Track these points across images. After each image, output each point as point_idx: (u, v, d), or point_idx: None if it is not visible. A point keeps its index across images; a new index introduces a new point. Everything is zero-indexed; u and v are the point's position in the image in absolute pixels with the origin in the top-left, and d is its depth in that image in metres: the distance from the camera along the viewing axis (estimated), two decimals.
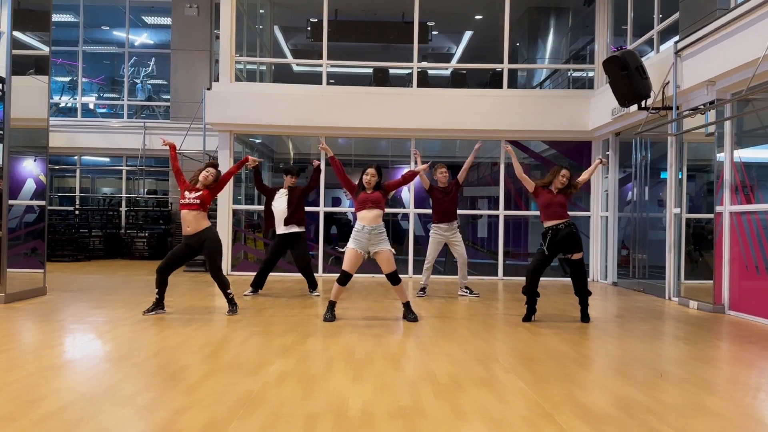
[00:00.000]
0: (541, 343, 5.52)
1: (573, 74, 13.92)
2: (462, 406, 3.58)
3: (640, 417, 3.43)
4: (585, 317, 6.76)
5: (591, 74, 12.32)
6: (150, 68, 18.62)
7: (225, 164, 11.67)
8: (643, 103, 8.67)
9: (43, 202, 8.52)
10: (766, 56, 6.17)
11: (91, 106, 18.40)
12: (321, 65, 11.95)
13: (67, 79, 18.23)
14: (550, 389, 3.97)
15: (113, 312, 6.97)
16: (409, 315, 6.63)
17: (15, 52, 7.82)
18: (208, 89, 11.61)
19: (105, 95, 18.90)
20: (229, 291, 6.90)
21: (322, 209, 12.07)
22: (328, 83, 12.38)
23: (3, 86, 7.72)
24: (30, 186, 9.08)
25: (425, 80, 13.82)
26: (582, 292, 6.78)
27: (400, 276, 6.72)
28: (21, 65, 8.39)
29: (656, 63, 8.98)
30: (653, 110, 8.66)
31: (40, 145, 8.86)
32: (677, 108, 8.47)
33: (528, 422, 3.32)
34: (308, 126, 11.63)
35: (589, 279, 11.35)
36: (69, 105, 17.76)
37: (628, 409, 3.56)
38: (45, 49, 8.64)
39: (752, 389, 4.18)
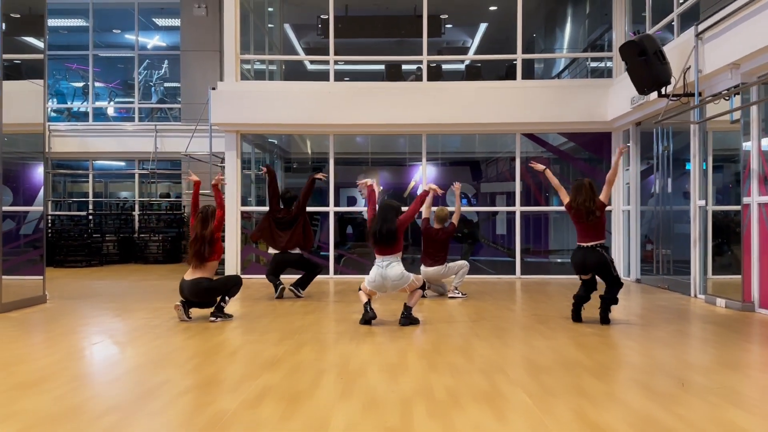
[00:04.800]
0: (554, 350, 5.12)
1: (591, 65, 13.41)
2: (455, 426, 3.21)
3: None
4: (604, 319, 6.33)
5: (609, 64, 11.81)
6: (163, 71, 18.51)
7: (232, 165, 11.43)
8: (663, 90, 8.19)
9: (40, 208, 8.29)
10: None
11: (111, 111, 18.36)
12: (333, 62, 11.61)
13: (81, 84, 18.20)
14: (558, 405, 3.58)
15: (109, 321, 6.73)
16: (406, 319, 6.31)
17: (8, 56, 7.63)
18: (213, 89, 11.35)
19: (118, 99, 18.82)
20: (225, 304, 6.72)
21: (332, 209, 11.72)
22: (343, 80, 12.06)
23: None
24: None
25: (439, 74, 13.42)
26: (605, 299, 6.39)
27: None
28: (18, 69, 8.27)
29: (676, 47, 8.48)
30: (674, 97, 8.16)
31: (40, 150, 8.70)
32: (699, 94, 7.97)
33: None
34: (317, 124, 11.31)
35: None
36: (83, 110, 17.70)
37: (642, 428, 3.16)
38: (40, 51, 8.42)
39: None
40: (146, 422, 3.29)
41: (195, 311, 6.77)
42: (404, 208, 6.54)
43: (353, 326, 6.25)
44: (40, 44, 8.50)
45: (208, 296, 6.65)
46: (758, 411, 3.48)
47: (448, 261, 8.58)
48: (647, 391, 3.89)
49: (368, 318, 6.28)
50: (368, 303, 6.35)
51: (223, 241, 11.85)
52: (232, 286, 6.74)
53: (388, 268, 6.22)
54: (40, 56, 8.50)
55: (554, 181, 6.80)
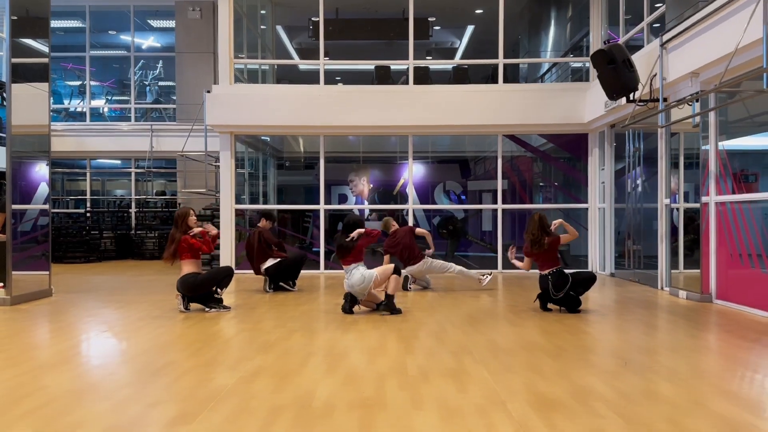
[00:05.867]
0: (518, 335, 5.68)
1: (572, 66, 13.98)
2: (422, 396, 3.75)
3: (591, 404, 3.58)
4: (571, 310, 6.94)
5: (588, 65, 12.38)
6: (158, 71, 18.95)
7: (226, 164, 11.93)
8: (631, 96, 8.75)
9: (46, 206, 8.80)
10: (739, 50, 6.25)
11: (105, 110, 18.81)
12: (324, 64, 12.12)
13: (78, 83, 18.63)
14: (512, 379, 4.13)
15: (113, 312, 7.25)
16: (387, 308, 6.86)
17: (15, 60, 8.09)
18: (208, 92, 11.85)
19: (114, 98, 19.28)
20: (219, 294, 7.26)
21: (322, 207, 12.24)
22: (335, 82, 12.57)
23: (3, 92, 7.99)
24: (44, 189, 9.34)
25: (427, 76, 13.94)
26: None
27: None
28: (23, 73, 8.71)
29: (644, 56, 9.05)
30: (641, 102, 8.73)
31: (45, 150, 9.16)
32: (665, 100, 8.53)
33: (480, 410, 3.49)
34: (307, 125, 11.84)
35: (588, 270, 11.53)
36: (79, 110, 18.15)
37: (581, 397, 3.72)
38: (45, 54, 8.88)
39: (712, 377, 4.30)
40: (158, 394, 3.82)
41: (194, 305, 7.31)
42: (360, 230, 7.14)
43: (341, 316, 6.79)
44: (40, 47, 8.96)
45: (198, 290, 7.16)
46: (684, 384, 4.04)
47: (428, 257, 9.11)
48: (593, 369, 4.45)
49: (343, 308, 6.97)
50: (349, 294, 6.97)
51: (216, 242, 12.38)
52: (223, 277, 7.27)
53: (351, 276, 6.89)
54: (45, 60, 8.96)
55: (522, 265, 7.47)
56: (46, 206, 8.81)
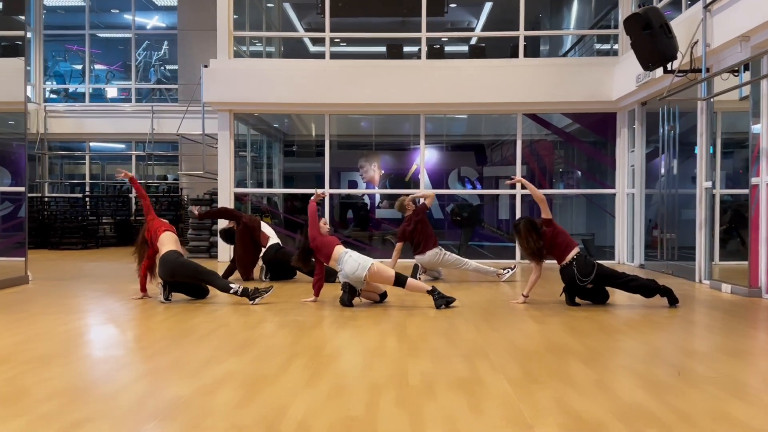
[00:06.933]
0: (544, 335, 4.83)
1: (597, 47, 13.00)
2: (424, 416, 2.92)
3: (644, 430, 2.73)
4: (672, 300, 6.08)
5: (616, 47, 11.39)
6: (162, 52, 18.20)
7: (225, 145, 11.15)
8: (669, 66, 7.82)
9: (21, 189, 8.06)
10: None
11: (114, 92, 18.11)
12: (335, 44, 11.26)
13: (81, 66, 17.93)
14: (540, 392, 3.29)
15: (87, 302, 6.53)
16: (441, 300, 5.98)
17: None
18: (206, 67, 11.05)
19: (117, 81, 18.57)
20: (232, 289, 6.17)
21: (327, 191, 11.41)
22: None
23: None
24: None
25: (442, 55, 13.06)
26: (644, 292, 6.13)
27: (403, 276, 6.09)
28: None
29: (684, 21, 8.09)
30: (680, 73, 7.79)
31: (27, 130, 8.49)
32: (707, 70, 7.59)
33: None
34: (311, 103, 11.01)
35: (614, 261, 10.64)
36: (81, 90, 17.45)
37: (629, 419, 2.87)
38: (20, 25, 8.20)
39: None
40: (90, 408, 3.03)
41: (177, 295, 6.55)
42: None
43: (338, 310, 5.98)
44: (16, 19, 8.30)
45: (177, 275, 6.34)
46: (760, 402, 3.18)
47: (444, 248, 8.23)
48: (640, 379, 3.59)
49: (341, 300, 6.14)
50: (347, 284, 6.12)
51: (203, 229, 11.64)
52: (203, 281, 6.44)
53: (344, 264, 6.05)
54: (21, 33, 8.28)
55: (535, 192, 6.38)
56: (22, 189, 8.06)
